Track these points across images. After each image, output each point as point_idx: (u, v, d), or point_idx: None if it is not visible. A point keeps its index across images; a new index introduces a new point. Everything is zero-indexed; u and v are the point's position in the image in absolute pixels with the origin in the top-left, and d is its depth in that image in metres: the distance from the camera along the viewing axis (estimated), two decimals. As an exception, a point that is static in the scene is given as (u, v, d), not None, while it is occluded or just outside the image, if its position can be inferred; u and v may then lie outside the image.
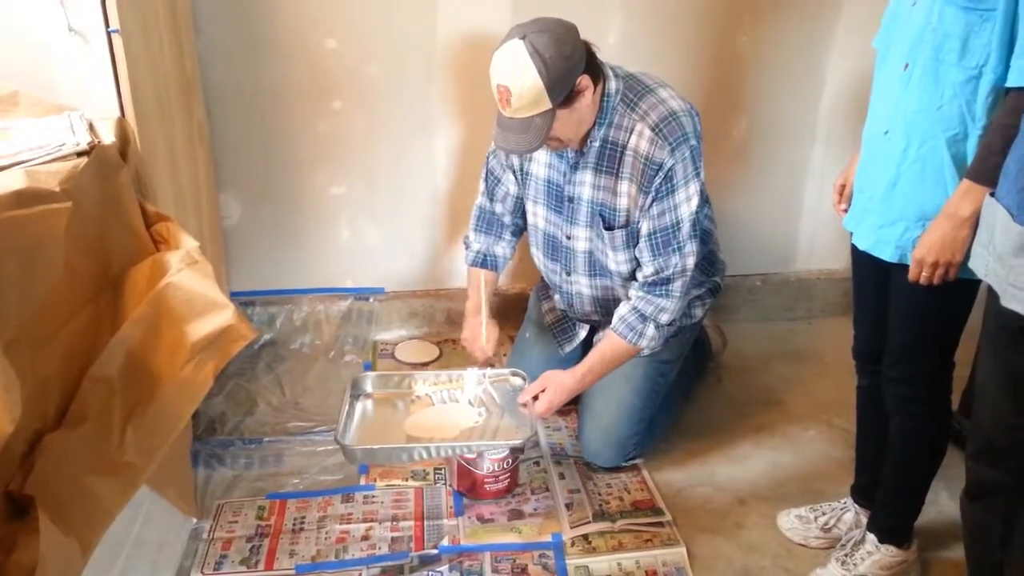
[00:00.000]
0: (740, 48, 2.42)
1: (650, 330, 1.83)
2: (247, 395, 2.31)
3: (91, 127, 1.43)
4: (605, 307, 2.01)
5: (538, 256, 2.06)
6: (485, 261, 2.08)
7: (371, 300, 2.57)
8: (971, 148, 1.38)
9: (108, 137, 1.42)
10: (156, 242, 1.48)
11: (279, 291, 2.53)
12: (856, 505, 1.83)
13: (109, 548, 1.67)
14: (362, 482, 1.99)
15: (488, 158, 2.03)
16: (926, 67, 1.39)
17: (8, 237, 1.09)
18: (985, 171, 1.30)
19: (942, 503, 1.89)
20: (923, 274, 1.41)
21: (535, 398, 1.84)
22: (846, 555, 1.72)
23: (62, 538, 1.09)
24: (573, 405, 2.16)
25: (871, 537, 1.71)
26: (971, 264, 1.30)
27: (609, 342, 1.87)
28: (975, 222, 1.31)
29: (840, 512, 1.84)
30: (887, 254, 1.51)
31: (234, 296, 2.42)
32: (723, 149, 2.51)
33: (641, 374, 2.00)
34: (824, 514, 1.84)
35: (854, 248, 1.60)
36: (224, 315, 1.34)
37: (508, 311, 2.60)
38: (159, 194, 1.66)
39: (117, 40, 1.53)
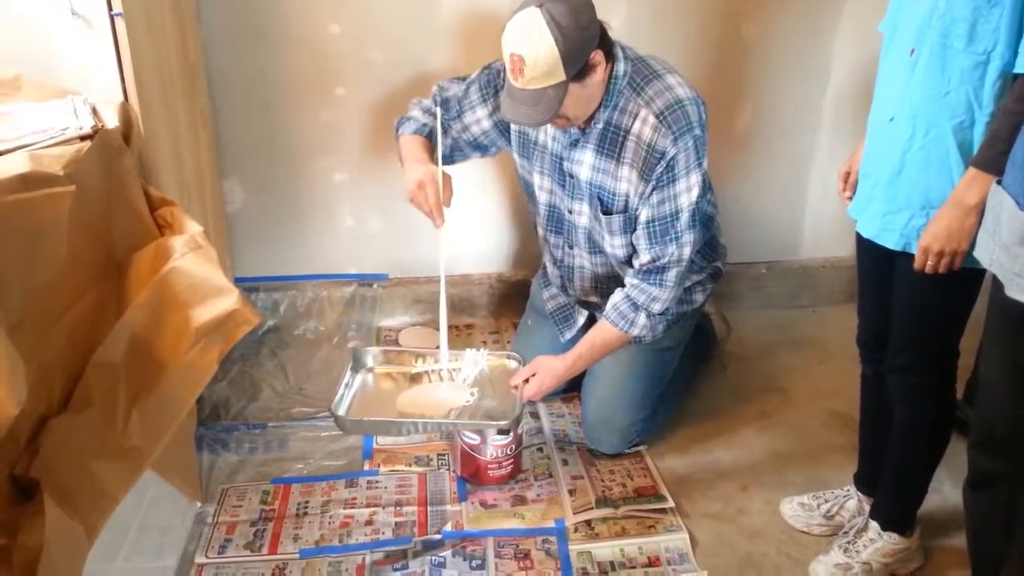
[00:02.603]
0: (745, 35, 2.41)
1: (641, 319, 1.82)
2: (251, 381, 2.31)
3: (94, 111, 1.42)
4: (606, 285, 1.99)
5: (541, 230, 2.04)
6: (431, 134, 1.89)
7: (374, 286, 2.57)
8: (978, 135, 1.37)
9: (111, 121, 1.42)
10: (160, 227, 1.48)
11: (282, 277, 2.53)
12: (859, 493, 1.83)
13: (114, 532, 1.68)
14: (366, 467, 1.99)
15: (493, 72, 1.88)
16: (933, 53, 1.37)
17: (12, 220, 1.09)
18: (992, 158, 1.29)
19: (945, 491, 1.89)
20: (928, 263, 1.40)
21: (526, 381, 1.85)
22: (848, 542, 1.72)
23: (68, 521, 1.09)
24: (576, 392, 2.16)
25: (874, 525, 1.71)
26: (976, 253, 1.29)
27: (600, 330, 1.87)
28: (981, 210, 1.30)
29: (843, 499, 1.84)
30: (891, 242, 1.50)
31: (238, 282, 2.42)
32: (728, 136, 2.50)
33: (643, 361, 2.00)
34: (827, 501, 1.85)
35: (858, 236, 1.59)
36: (228, 300, 1.34)
37: (510, 298, 2.60)
38: (162, 179, 1.66)
39: (120, 24, 1.53)
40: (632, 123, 1.73)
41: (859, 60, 2.41)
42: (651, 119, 1.71)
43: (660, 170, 1.72)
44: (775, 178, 2.62)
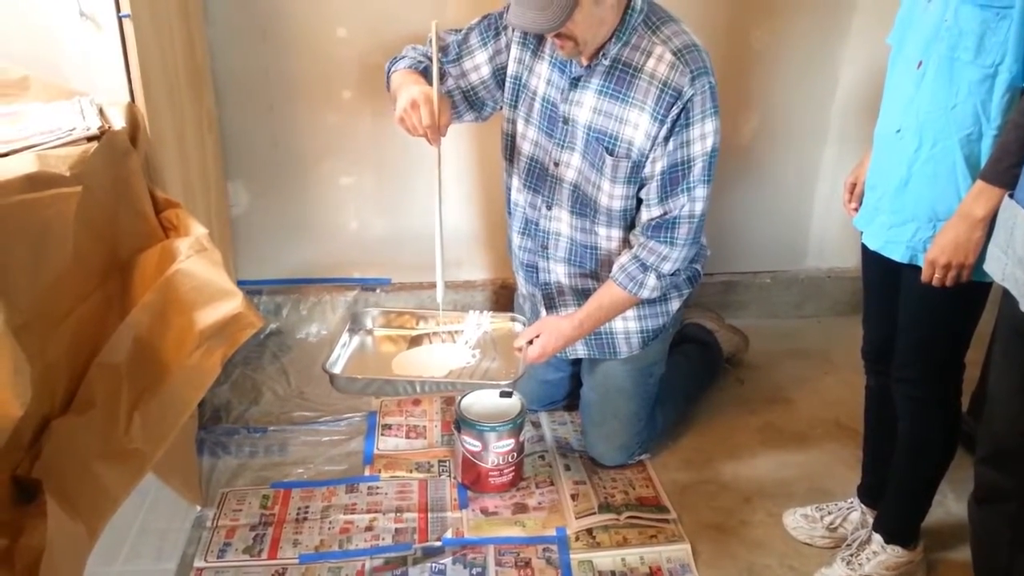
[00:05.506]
0: (753, 44, 2.41)
1: (651, 280, 1.76)
2: (253, 384, 2.31)
3: (101, 112, 1.42)
4: (580, 259, 1.88)
5: (516, 192, 1.91)
6: (427, 70, 1.75)
7: (377, 291, 2.56)
8: (985, 148, 1.36)
9: (118, 122, 1.42)
10: (165, 228, 1.47)
11: (286, 281, 2.53)
12: (863, 505, 1.83)
13: (114, 534, 1.68)
14: (367, 473, 1.99)
15: (494, 17, 1.82)
16: (940, 65, 1.37)
17: (18, 221, 1.08)
18: (999, 172, 1.28)
19: (949, 504, 1.88)
20: (935, 276, 1.40)
21: (530, 343, 1.80)
22: (852, 555, 1.71)
23: (69, 522, 1.09)
24: (579, 400, 2.16)
25: (877, 537, 1.70)
26: (986, 267, 1.28)
27: (608, 291, 1.80)
28: (989, 223, 1.29)
29: (846, 512, 1.83)
30: (898, 255, 1.50)
31: (241, 285, 2.41)
32: (734, 145, 2.49)
33: (631, 382, 1.98)
34: (830, 513, 1.84)
35: (864, 248, 1.59)
36: (233, 303, 1.34)
37: (513, 305, 2.60)
38: (168, 181, 1.66)
39: (128, 25, 1.53)
40: (645, 61, 1.65)
41: (867, 71, 2.41)
42: (668, 56, 1.63)
43: (676, 112, 1.63)
44: (781, 187, 2.62)
